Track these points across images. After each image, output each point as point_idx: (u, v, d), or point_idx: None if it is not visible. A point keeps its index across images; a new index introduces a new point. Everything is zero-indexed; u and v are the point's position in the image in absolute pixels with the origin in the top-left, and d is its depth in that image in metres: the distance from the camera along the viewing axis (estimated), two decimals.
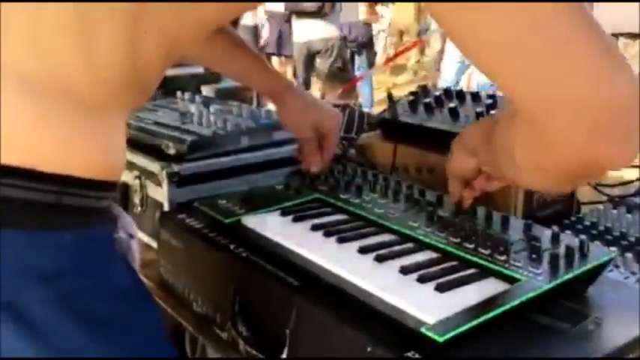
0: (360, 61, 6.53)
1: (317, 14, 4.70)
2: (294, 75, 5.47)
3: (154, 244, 1.09)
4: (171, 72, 1.79)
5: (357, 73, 5.89)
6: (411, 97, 1.30)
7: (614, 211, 1.10)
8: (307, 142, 1.07)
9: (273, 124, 1.24)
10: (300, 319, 0.73)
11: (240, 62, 1.08)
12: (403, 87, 6.74)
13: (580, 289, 0.76)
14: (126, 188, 1.20)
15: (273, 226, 0.89)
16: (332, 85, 3.70)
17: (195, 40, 0.64)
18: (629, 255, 0.94)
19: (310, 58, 5.10)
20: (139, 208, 1.17)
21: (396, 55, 7.84)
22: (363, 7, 6.26)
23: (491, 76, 0.49)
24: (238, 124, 1.22)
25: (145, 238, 1.16)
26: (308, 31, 4.90)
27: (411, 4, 8.07)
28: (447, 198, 0.90)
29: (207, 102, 1.43)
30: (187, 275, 0.95)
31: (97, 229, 0.58)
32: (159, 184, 1.11)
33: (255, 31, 6.22)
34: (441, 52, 6.43)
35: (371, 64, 6.72)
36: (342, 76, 3.84)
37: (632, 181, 1.23)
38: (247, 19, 5.97)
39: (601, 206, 1.14)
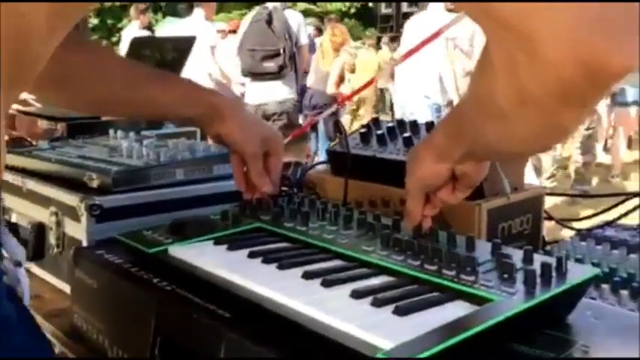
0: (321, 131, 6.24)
1: (276, 75, 4.53)
2: None
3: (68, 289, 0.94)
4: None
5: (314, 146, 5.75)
6: (363, 130, 1.22)
7: (583, 244, 1.02)
8: (255, 160, 0.96)
9: (213, 157, 1.13)
10: (231, 356, 0.60)
11: (173, 90, 0.96)
12: None
13: (561, 315, 0.65)
14: (41, 228, 1.05)
15: (204, 255, 0.76)
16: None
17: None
18: (605, 286, 0.85)
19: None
20: (55, 250, 1.02)
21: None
22: (333, 79, 6.08)
23: None
24: (173, 155, 1.11)
25: (61, 285, 1.01)
26: (262, 93, 4.68)
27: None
28: (404, 223, 0.80)
29: (141, 139, 1.31)
30: (102, 319, 0.80)
31: None
32: (77, 220, 0.97)
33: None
34: None
35: (331, 137, 6.47)
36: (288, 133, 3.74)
37: (596, 214, 1.16)
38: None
39: (568, 239, 1.06)
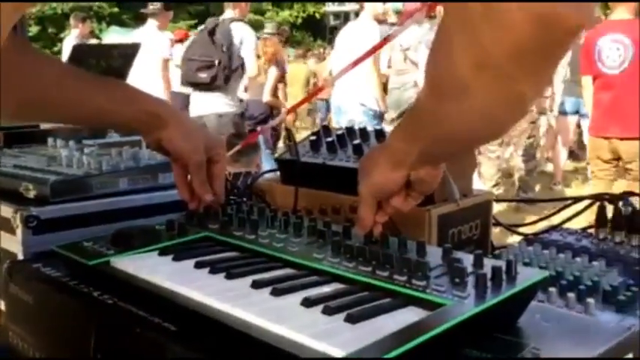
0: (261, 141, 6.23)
1: (209, 86, 4.40)
2: None
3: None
4: (48, 124, 1.60)
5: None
6: (313, 137, 1.21)
7: (530, 248, 1.04)
8: (198, 168, 0.93)
9: (159, 165, 1.09)
10: None
11: (114, 93, 0.92)
12: None
13: (511, 318, 0.65)
14: None
15: (148, 266, 0.73)
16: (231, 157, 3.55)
17: None
18: (552, 289, 0.86)
19: None
20: None
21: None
22: (269, 88, 6.12)
23: None
24: (116, 164, 1.06)
25: None
26: (201, 105, 4.58)
27: None
28: (355, 229, 0.79)
29: (82, 147, 1.26)
30: (39, 336, 0.76)
31: None
32: (12, 232, 0.92)
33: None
34: None
35: (270, 147, 6.46)
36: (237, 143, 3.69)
37: (541, 219, 1.18)
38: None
39: (516, 244, 1.07)
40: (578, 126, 6.27)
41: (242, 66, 4.50)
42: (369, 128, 1.19)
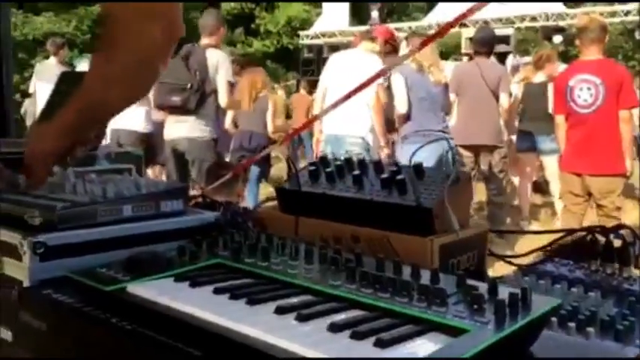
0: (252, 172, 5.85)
1: (179, 110, 4.35)
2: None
3: (8, 335, 0.88)
4: None
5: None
6: (312, 167, 1.23)
7: (527, 278, 1.06)
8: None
9: (160, 193, 1.10)
10: None
11: None
12: None
13: (525, 345, 0.67)
14: None
15: (166, 292, 0.73)
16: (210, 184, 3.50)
17: None
18: (552, 319, 0.88)
19: (179, 160, 4.58)
20: None
21: None
22: (270, 119, 5.79)
23: None
24: (119, 191, 1.07)
25: None
26: (174, 129, 4.52)
27: None
28: (366, 259, 0.80)
29: (81, 174, 1.25)
30: None
31: None
32: (19, 259, 0.91)
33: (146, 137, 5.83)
34: None
35: (265, 177, 6.34)
36: (223, 174, 3.66)
37: (536, 250, 1.21)
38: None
39: (512, 274, 1.10)
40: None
41: (215, 92, 4.49)
42: (367, 159, 1.22)
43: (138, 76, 1.01)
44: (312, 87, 8.49)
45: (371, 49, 4.67)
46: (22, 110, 7.90)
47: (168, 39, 1.00)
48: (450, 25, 1.60)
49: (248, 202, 5.13)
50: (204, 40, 4.58)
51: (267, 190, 6.44)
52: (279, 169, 8.18)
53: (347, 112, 4.17)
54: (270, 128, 5.76)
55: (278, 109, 6.50)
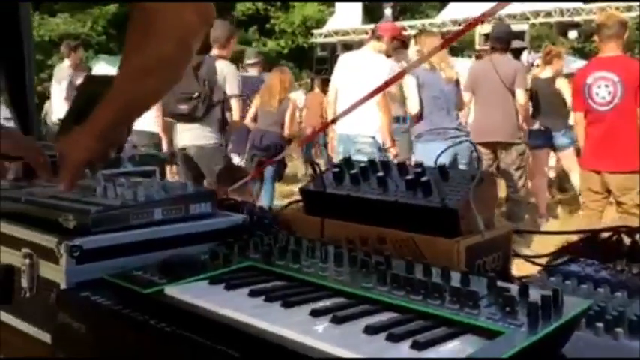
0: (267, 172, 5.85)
1: (188, 117, 4.43)
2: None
3: (46, 337, 0.90)
4: None
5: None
6: (336, 170, 1.24)
7: (553, 279, 1.07)
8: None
9: (189, 196, 1.12)
10: None
11: None
12: None
13: (557, 346, 0.68)
14: (9, 271, 1.00)
15: (203, 294, 0.75)
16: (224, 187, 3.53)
17: None
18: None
19: (191, 165, 4.67)
20: (27, 293, 0.98)
21: None
22: (289, 119, 5.78)
23: None
24: (150, 195, 1.09)
25: (32, 330, 0.96)
26: (183, 137, 4.63)
27: None
28: (395, 261, 0.82)
29: (110, 178, 1.28)
30: None
31: None
32: (55, 261, 0.93)
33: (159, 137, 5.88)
34: None
35: (279, 177, 6.41)
36: (234, 176, 3.70)
37: (561, 250, 1.22)
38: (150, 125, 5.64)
39: (537, 275, 1.11)
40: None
41: (224, 102, 4.56)
42: (379, 158, 1.24)
43: (174, 60, 1.04)
44: (326, 85, 8.48)
45: (378, 49, 4.69)
46: (43, 112, 7.96)
47: (204, 20, 1.04)
48: (471, 25, 1.60)
49: (264, 202, 5.17)
50: (215, 52, 4.64)
51: (281, 189, 6.52)
52: (293, 167, 8.21)
53: (357, 112, 4.19)
54: (287, 129, 5.79)
55: (296, 110, 6.52)
